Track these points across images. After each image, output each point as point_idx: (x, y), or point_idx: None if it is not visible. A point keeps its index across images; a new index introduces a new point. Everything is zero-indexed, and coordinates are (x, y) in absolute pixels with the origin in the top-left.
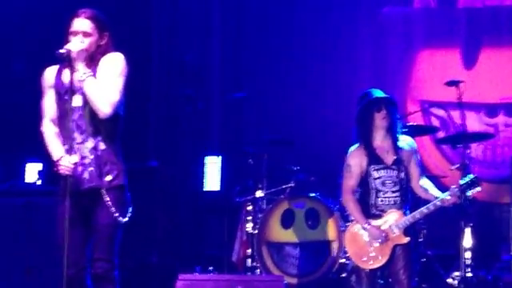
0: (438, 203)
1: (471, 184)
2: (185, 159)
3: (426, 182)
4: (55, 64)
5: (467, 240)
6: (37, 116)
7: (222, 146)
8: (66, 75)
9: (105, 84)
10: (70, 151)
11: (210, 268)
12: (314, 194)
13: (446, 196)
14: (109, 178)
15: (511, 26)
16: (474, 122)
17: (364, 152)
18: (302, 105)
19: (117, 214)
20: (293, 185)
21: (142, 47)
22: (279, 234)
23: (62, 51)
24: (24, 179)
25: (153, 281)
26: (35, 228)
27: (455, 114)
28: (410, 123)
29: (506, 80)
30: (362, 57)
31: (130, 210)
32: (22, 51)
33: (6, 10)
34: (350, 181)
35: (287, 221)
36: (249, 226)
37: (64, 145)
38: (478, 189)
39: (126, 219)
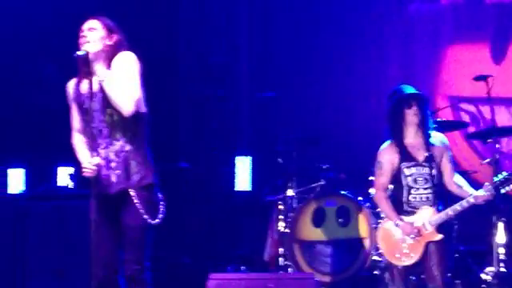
0: (472, 200)
1: (505, 181)
2: (215, 160)
3: (459, 179)
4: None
5: (500, 235)
6: (67, 119)
7: (252, 145)
8: (83, 82)
9: (124, 82)
10: (92, 155)
11: (242, 267)
12: (344, 192)
13: (480, 193)
14: (136, 178)
15: None
16: (504, 117)
17: (395, 149)
18: (330, 103)
19: (146, 216)
20: (323, 183)
21: (170, 48)
22: (310, 232)
23: (80, 53)
24: (56, 183)
25: (185, 281)
26: (68, 231)
27: (485, 109)
28: (440, 119)
29: None
30: (390, 53)
31: (162, 209)
32: (53, 54)
33: (36, 12)
34: (382, 178)
35: (318, 219)
36: (280, 225)
37: (91, 152)
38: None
39: (157, 221)
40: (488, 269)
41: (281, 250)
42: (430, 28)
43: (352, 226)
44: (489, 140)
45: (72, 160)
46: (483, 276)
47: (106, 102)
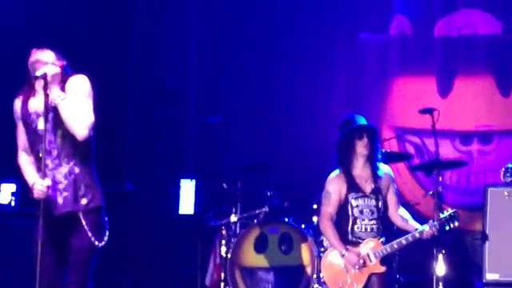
0: (417, 235)
1: (450, 219)
2: (161, 182)
3: (404, 212)
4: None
5: (440, 267)
6: (10, 137)
7: (197, 169)
8: (32, 101)
9: (79, 106)
10: (42, 177)
11: None
12: (287, 219)
13: (425, 228)
14: (84, 201)
15: (485, 55)
16: (449, 150)
17: (343, 180)
18: (277, 130)
19: (93, 239)
20: (267, 210)
21: (119, 70)
22: (253, 258)
23: (38, 74)
24: None
25: None
26: (8, 249)
27: (429, 142)
28: (385, 150)
29: (480, 108)
30: (338, 82)
31: (107, 233)
32: None
33: None
34: (329, 208)
35: (261, 245)
36: (222, 250)
37: (38, 172)
38: (457, 223)
39: (103, 243)
40: None
41: (223, 275)
42: (378, 58)
43: (294, 253)
44: (432, 173)
45: (15, 177)
46: None
47: (58, 123)
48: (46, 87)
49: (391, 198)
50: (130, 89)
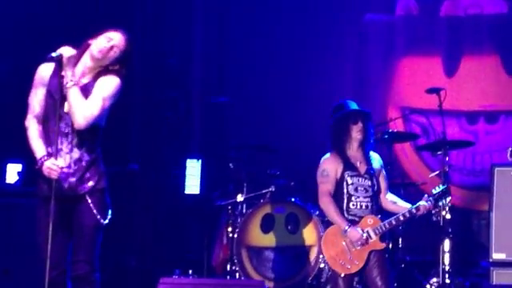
0: (414, 211)
1: (442, 194)
2: (166, 162)
3: (392, 196)
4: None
5: (446, 247)
6: (18, 117)
7: (203, 149)
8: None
9: (89, 100)
10: (54, 156)
11: (190, 271)
12: (293, 199)
13: (421, 204)
14: (90, 183)
15: (492, 34)
16: (455, 130)
17: (339, 159)
18: (283, 110)
19: (98, 216)
20: (273, 189)
21: None
22: (259, 238)
23: (54, 55)
24: (5, 180)
25: (131, 284)
26: (14, 229)
27: (436, 121)
28: (391, 130)
29: (486, 88)
30: (345, 63)
31: (110, 212)
32: (6, 52)
33: None
34: (327, 185)
35: (267, 225)
36: (229, 230)
37: (47, 147)
38: (449, 198)
39: (107, 221)
40: (433, 280)
41: (229, 255)
42: (384, 39)
43: (300, 233)
44: (438, 152)
45: (21, 157)
46: (428, 287)
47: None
48: (61, 69)
49: (382, 183)
50: (135, 69)
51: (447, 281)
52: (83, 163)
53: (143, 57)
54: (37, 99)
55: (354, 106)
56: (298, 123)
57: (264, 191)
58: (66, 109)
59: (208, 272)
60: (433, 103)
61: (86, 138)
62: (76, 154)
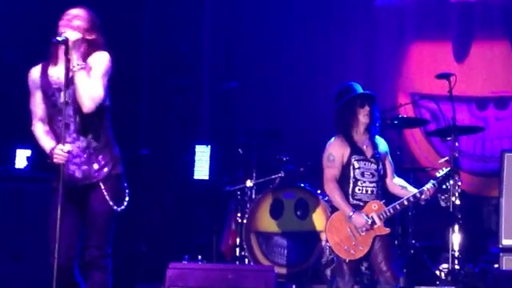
0: (418, 195)
1: (446, 177)
2: (175, 148)
3: (400, 181)
4: (46, 52)
5: (455, 233)
6: (26, 103)
7: (212, 135)
8: (52, 72)
9: (92, 81)
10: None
11: (199, 257)
12: (303, 185)
13: (425, 188)
14: (105, 170)
15: (503, 19)
16: (465, 115)
17: (346, 143)
18: (292, 96)
19: (111, 203)
20: (282, 175)
21: (134, 37)
22: (268, 223)
23: (59, 38)
24: (14, 165)
25: (142, 269)
26: (23, 214)
27: (445, 107)
28: (401, 115)
29: (496, 74)
30: (354, 48)
31: (127, 199)
32: (12, 39)
33: None
34: (333, 170)
35: (276, 211)
36: (238, 216)
37: (55, 142)
38: (452, 182)
39: (122, 207)
40: (442, 266)
41: (238, 240)
42: (394, 24)
43: (310, 218)
44: (448, 138)
45: (30, 143)
46: (437, 273)
47: (75, 98)
48: (67, 53)
49: (388, 167)
50: (144, 55)
51: (456, 267)
52: (91, 150)
53: (154, 44)
54: (35, 103)
55: (359, 88)
56: (307, 109)
57: (273, 177)
58: (61, 99)
59: (217, 257)
60: (443, 89)
61: (90, 124)
62: (83, 142)
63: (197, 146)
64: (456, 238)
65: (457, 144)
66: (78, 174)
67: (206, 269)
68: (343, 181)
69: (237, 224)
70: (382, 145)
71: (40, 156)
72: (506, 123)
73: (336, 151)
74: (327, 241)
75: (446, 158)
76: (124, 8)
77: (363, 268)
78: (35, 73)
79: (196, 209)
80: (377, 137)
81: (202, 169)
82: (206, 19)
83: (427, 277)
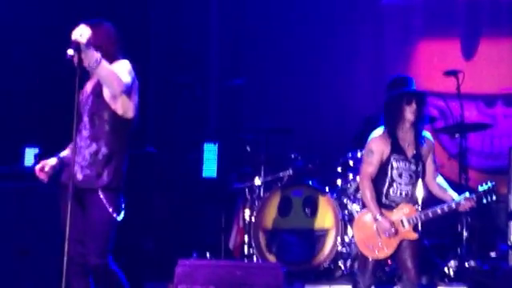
0: (453, 206)
1: (489, 192)
2: (183, 146)
3: (443, 182)
4: (55, 51)
5: (464, 230)
6: (34, 102)
7: (220, 132)
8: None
9: (117, 69)
10: (73, 152)
11: (207, 254)
12: (311, 182)
13: (463, 201)
14: (105, 179)
15: (510, 17)
16: (473, 113)
17: (388, 140)
18: (300, 93)
19: (111, 210)
20: (290, 172)
21: (141, 34)
22: (276, 221)
23: (70, 52)
24: (23, 163)
25: (150, 266)
26: (33, 211)
27: (453, 104)
28: None
29: (504, 71)
30: (362, 46)
31: (122, 213)
32: (22, 38)
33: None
34: (370, 167)
35: (285, 208)
36: (246, 214)
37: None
38: (495, 197)
39: (120, 218)
40: (451, 263)
41: (246, 238)
42: (401, 22)
43: (318, 216)
44: (456, 135)
45: (37, 141)
46: (446, 270)
47: (93, 105)
48: (80, 54)
49: (430, 165)
50: (151, 52)
51: (465, 264)
52: (99, 157)
53: (161, 42)
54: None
55: (410, 83)
56: (315, 106)
57: (281, 174)
58: (82, 108)
59: (225, 255)
60: (451, 86)
61: (103, 132)
62: (93, 148)
63: (205, 144)
64: (464, 236)
65: (465, 141)
66: (79, 176)
67: (215, 266)
68: (380, 179)
69: (245, 222)
70: (428, 142)
71: (47, 153)
72: None
73: (377, 148)
74: (353, 236)
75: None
76: (131, 6)
77: (387, 269)
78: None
79: (204, 207)
80: (424, 133)
81: (210, 167)
82: (212, 18)
83: (436, 274)
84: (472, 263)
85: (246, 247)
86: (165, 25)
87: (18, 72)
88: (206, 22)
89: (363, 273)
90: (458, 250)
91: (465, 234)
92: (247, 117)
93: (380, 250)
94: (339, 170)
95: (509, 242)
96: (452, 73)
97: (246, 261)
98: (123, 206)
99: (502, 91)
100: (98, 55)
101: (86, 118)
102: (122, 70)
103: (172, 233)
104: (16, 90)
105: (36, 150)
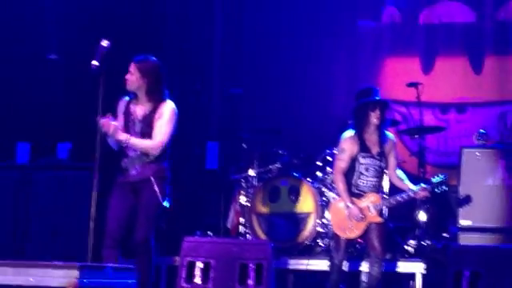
0: (412, 194)
1: (441, 183)
2: (190, 143)
3: (401, 174)
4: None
5: (422, 215)
6: (68, 102)
7: (221, 132)
8: (133, 107)
9: (158, 130)
10: (125, 164)
11: (209, 233)
12: (296, 174)
13: (419, 191)
14: (153, 172)
15: (462, 39)
16: (430, 118)
17: (356, 140)
18: (288, 99)
19: (160, 196)
20: (279, 166)
21: (155, 48)
22: (267, 206)
23: (94, 63)
24: (57, 156)
25: (163, 242)
26: (65, 197)
27: (414, 111)
28: None
29: (457, 83)
30: (340, 61)
31: (168, 200)
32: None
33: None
34: (342, 163)
35: (274, 195)
36: (242, 199)
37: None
38: (445, 188)
39: (166, 203)
40: (411, 242)
41: (242, 219)
42: (372, 42)
43: (301, 202)
44: (416, 136)
45: (70, 137)
46: (406, 248)
47: (143, 130)
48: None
49: (391, 161)
50: (163, 63)
51: (423, 243)
52: (148, 161)
53: (172, 53)
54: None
55: (375, 93)
56: (300, 111)
57: (271, 167)
58: (134, 129)
59: (224, 234)
60: (412, 96)
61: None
62: (143, 158)
63: (208, 142)
64: (422, 219)
65: (423, 141)
66: (134, 172)
67: (215, 242)
68: (350, 173)
69: (241, 206)
70: (390, 141)
71: (77, 148)
72: (464, 125)
73: (347, 146)
74: (328, 220)
75: (414, 153)
76: (146, 21)
77: (357, 246)
78: (123, 103)
79: (207, 194)
80: (387, 133)
81: (212, 161)
82: (216, 34)
83: (398, 252)
84: (428, 242)
85: (241, 227)
86: (177, 39)
87: (53, 72)
88: (211, 37)
89: (337, 250)
90: (417, 231)
91: (422, 218)
92: (244, 119)
93: (351, 231)
94: (319, 163)
95: (458, 225)
96: (413, 84)
97: (241, 238)
98: (167, 194)
99: (454, 100)
100: (124, 137)
101: (137, 137)
102: (162, 126)
103: (180, 215)
104: (51, 91)
105: (68, 145)
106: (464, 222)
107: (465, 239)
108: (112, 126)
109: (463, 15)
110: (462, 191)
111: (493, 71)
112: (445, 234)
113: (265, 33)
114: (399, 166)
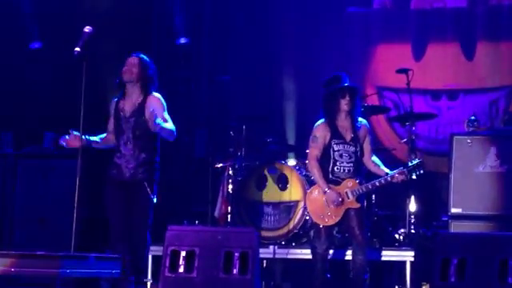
0: (389, 179)
1: (416, 167)
2: (178, 131)
3: (376, 159)
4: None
5: (412, 203)
6: (53, 92)
7: (209, 120)
8: (122, 104)
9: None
10: (119, 160)
11: (196, 222)
12: (283, 162)
13: (396, 174)
14: (146, 174)
15: (453, 25)
16: (421, 105)
17: (328, 128)
18: (276, 87)
19: (152, 196)
20: (267, 153)
21: (144, 36)
22: (254, 194)
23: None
24: (43, 144)
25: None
26: (51, 185)
27: (405, 98)
28: (368, 104)
29: (448, 70)
30: (330, 48)
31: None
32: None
33: None
34: (316, 150)
35: (261, 183)
36: (229, 187)
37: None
38: (422, 171)
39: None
40: (400, 230)
41: (229, 208)
42: (363, 28)
43: (289, 190)
44: (406, 123)
45: (56, 126)
46: (396, 236)
47: (136, 125)
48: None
49: (366, 147)
50: (152, 51)
51: (412, 231)
52: (141, 160)
53: (161, 41)
54: (109, 123)
55: (344, 79)
56: (289, 98)
57: (259, 154)
58: (126, 127)
59: (212, 223)
60: (403, 83)
61: (143, 145)
62: (136, 155)
63: (197, 130)
64: (412, 207)
65: (414, 128)
66: (127, 173)
67: (199, 231)
68: (324, 160)
69: (228, 194)
70: (363, 128)
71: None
72: (455, 112)
73: (320, 134)
74: (306, 208)
75: (405, 139)
76: (135, 11)
77: (334, 232)
78: (113, 104)
79: (195, 182)
80: (360, 120)
81: (200, 148)
82: (204, 25)
83: (388, 239)
84: (418, 230)
85: (229, 216)
86: (165, 27)
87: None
88: (200, 26)
89: (319, 238)
90: (407, 219)
91: (412, 205)
92: (232, 107)
93: (329, 218)
94: (307, 151)
95: (449, 213)
96: (403, 71)
97: (227, 227)
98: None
99: (445, 87)
100: (159, 120)
101: (129, 134)
102: (163, 117)
103: (168, 204)
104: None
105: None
106: (454, 210)
107: (456, 227)
108: (76, 140)
109: (455, 0)
110: (453, 178)
111: (485, 57)
112: (435, 223)
113: (253, 20)
114: (389, 153)
